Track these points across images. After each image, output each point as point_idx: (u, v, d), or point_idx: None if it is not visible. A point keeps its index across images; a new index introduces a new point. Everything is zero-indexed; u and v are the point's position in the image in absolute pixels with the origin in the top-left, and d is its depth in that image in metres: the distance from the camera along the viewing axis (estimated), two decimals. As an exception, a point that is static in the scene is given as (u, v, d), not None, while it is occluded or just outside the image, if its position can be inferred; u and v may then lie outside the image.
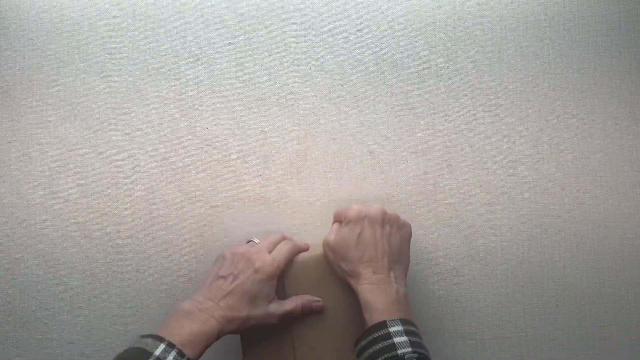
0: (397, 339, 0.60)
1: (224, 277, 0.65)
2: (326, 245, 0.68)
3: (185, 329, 0.59)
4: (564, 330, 0.75)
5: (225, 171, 0.77)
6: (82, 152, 0.77)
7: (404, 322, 0.62)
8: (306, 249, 0.71)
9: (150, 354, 0.56)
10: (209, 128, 0.77)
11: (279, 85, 0.78)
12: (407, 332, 0.60)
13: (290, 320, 0.67)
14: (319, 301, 0.68)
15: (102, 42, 0.78)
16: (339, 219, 0.69)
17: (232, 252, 0.67)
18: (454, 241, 0.76)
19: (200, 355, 0.60)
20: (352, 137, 0.77)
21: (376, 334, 0.60)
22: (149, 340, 0.57)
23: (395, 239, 0.68)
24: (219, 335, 0.62)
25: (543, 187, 0.76)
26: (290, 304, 0.66)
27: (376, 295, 0.63)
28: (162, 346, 0.57)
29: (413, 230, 0.71)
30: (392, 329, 0.60)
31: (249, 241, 0.72)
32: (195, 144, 0.77)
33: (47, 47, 0.77)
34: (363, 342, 0.61)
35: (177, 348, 0.57)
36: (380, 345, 0.60)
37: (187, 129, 0.77)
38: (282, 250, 0.68)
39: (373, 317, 0.62)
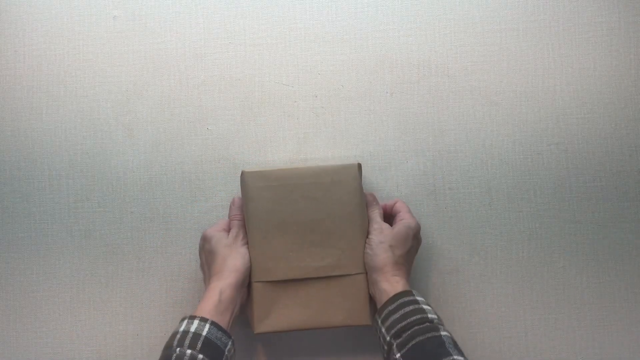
0: (424, 306, 0.63)
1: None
2: (379, 230, 0.70)
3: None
4: (564, 330, 0.75)
5: (225, 171, 0.77)
6: (82, 152, 0.77)
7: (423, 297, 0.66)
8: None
9: (178, 330, 0.63)
10: (209, 128, 0.77)
11: (279, 85, 0.78)
12: (428, 305, 0.65)
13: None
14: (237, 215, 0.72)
15: (102, 42, 0.78)
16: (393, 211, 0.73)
17: None
18: (454, 241, 0.76)
19: (216, 313, 0.64)
20: (352, 137, 0.77)
21: (405, 299, 0.64)
22: (177, 324, 0.64)
23: (414, 255, 0.71)
24: (220, 290, 0.66)
25: (543, 187, 0.76)
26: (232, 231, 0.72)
27: (399, 284, 0.66)
28: (185, 321, 0.63)
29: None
30: (418, 297, 0.64)
31: None
32: (195, 144, 0.77)
33: (47, 47, 0.77)
34: (390, 307, 0.64)
35: (198, 317, 0.63)
36: (410, 307, 0.63)
37: (187, 129, 0.77)
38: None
39: (396, 288, 0.65)
